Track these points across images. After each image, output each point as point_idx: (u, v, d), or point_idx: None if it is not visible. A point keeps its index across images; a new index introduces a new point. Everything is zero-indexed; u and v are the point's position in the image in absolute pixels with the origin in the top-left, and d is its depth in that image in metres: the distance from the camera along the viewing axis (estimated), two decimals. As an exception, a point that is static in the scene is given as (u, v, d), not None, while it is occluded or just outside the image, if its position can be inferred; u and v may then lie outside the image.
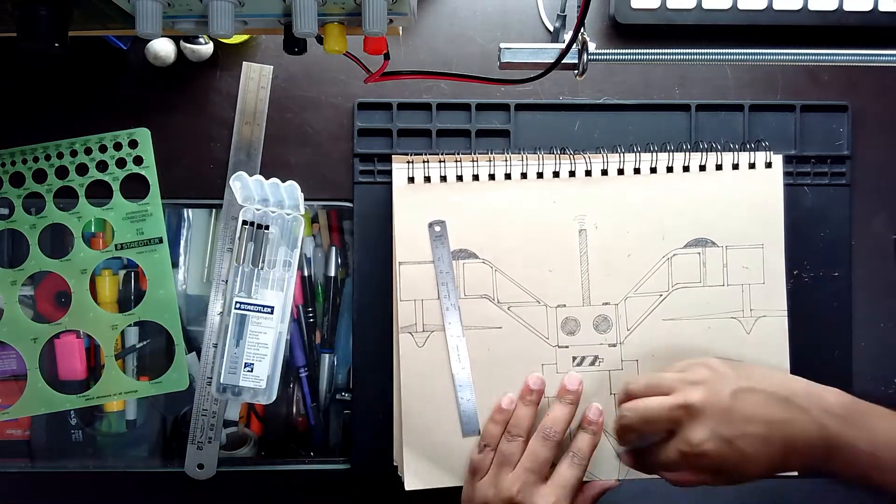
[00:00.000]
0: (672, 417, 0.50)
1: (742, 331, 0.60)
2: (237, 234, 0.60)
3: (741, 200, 0.61)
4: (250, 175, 0.60)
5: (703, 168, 0.61)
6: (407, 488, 0.59)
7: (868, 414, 0.50)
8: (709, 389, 0.50)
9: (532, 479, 0.54)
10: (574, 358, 0.61)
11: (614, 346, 0.61)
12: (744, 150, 0.61)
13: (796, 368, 0.59)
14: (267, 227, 0.60)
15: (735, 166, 0.61)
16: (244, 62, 0.62)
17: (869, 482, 0.49)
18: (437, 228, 0.60)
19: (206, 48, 0.61)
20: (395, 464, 0.61)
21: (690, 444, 0.48)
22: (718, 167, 0.61)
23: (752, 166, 0.61)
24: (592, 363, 0.61)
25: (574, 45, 0.51)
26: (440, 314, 0.60)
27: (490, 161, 0.61)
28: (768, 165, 0.61)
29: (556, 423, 0.56)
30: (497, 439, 0.57)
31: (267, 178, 0.61)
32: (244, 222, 0.60)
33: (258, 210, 0.60)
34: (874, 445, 0.48)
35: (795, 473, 0.60)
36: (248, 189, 0.60)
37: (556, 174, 0.61)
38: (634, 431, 0.53)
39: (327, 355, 0.66)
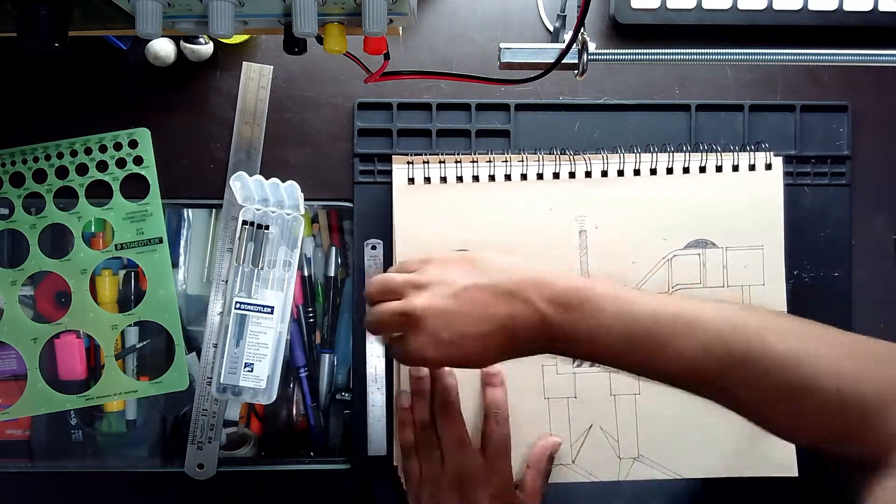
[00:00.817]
0: (397, 322, 0.50)
1: None
2: (237, 234, 0.60)
3: (741, 202, 0.61)
4: (250, 175, 0.60)
5: (703, 169, 0.61)
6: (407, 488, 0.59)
7: (596, 298, 0.48)
8: (432, 293, 0.49)
9: (468, 454, 0.56)
10: (574, 358, 0.61)
11: (614, 346, 0.61)
12: (744, 152, 0.61)
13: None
14: (267, 227, 0.60)
15: (735, 168, 0.61)
16: (244, 62, 0.62)
17: (596, 362, 0.50)
18: (374, 249, 0.61)
19: (206, 48, 0.61)
20: (395, 464, 0.61)
21: (411, 349, 0.49)
22: (718, 169, 0.61)
23: (752, 168, 0.61)
24: (592, 364, 0.61)
25: (574, 45, 0.51)
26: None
27: (490, 162, 0.61)
28: (768, 167, 0.61)
29: (448, 394, 0.58)
30: (411, 441, 0.59)
31: (267, 178, 0.61)
32: (244, 222, 0.60)
33: (258, 210, 0.60)
34: (594, 329, 0.47)
35: (796, 474, 0.60)
36: (248, 189, 0.60)
37: (556, 175, 0.61)
38: (375, 331, 0.53)
39: (327, 355, 0.66)
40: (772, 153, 0.61)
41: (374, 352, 0.61)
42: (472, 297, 0.49)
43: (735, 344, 0.45)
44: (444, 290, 0.49)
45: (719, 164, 0.61)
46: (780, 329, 0.46)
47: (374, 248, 0.61)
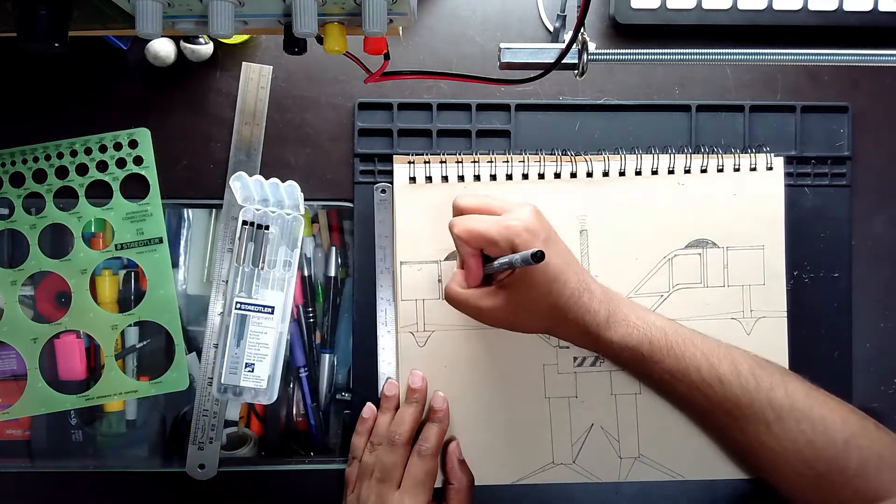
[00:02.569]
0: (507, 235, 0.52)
1: (742, 331, 0.60)
2: (237, 234, 0.60)
3: (742, 202, 0.61)
4: (250, 175, 0.60)
5: (704, 171, 0.61)
6: None
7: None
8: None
9: (384, 489, 0.55)
10: (575, 358, 0.61)
11: (614, 346, 0.61)
12: (745, 153, 0.61)
13: (796, 368, 0.59)
14: (267, 227, 0.60)
15: (736, 169, 0.61)
16: (244, 62, 0.62)
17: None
18: (384, 193, 0.61)
19: (206, 48, 0.61)
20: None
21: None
22: (720, 170, 0.61)
23: (753, 169, 0.61)
24: (593, 364, 0.61)
25: (574, 45, 0.51)
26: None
27: (491, 162, 0.61)
28: (769, 168, 0.61)
29: (399, 426, 0.57)
30: (361, 451, 0.59)
31: (267, 179, 0.61)
32: (244, 222, 0.60)
33: (258, 210, 0.60)
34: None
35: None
36: (248, 189, 0.60)
37: (557, 175, 0.61)
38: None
39: (327, 355, 0.66)
40: (773, 155, 0.61)
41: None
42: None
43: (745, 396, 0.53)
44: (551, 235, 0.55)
45: (720, 165, 0.61)
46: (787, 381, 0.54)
47: (383, 191, 0.61)
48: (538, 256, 0.48)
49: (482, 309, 0.55)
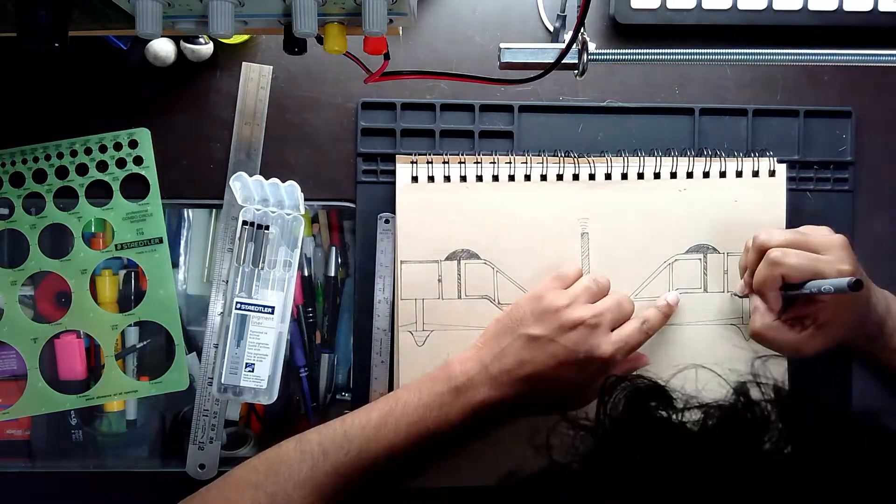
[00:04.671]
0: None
1: (741, 337, 0.60)
2: (237, 235, 0.60)
3: (743, 207, 0.61)
4: (250, 175, 0.60)
5: (706, 175, 0.61)
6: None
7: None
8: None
9: (606, 320, 0.55)
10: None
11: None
12: (748, 157, 0.61)
13: (796, 372, 0.59)
14: (267, 228, 0.60)
15: (739, 174, 0.61)
16: (244, 62, 0.62)
17: None
18: (387, 224, 0.61)
19: (206, 48, 0.61)
20: None
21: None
22: (722, 174, 0.61)
23: (755, 174, 0.61)
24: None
25: (574, 45, 0.50)
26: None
27: (494, 163, 0.61)
28: (772, 174, 0.61)
29: (650, 319, 0.57)
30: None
31: (267, 179, 0.61)
32: (244, 222, 0.60)
33: (258, 210, 0.60)
34: None
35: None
36: (247, 189, 0.60)
37: (559, 177, 0.61)
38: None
39: (327, 355, 0.66)
40: (776, 159, 0.61)
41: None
42: None
43: None
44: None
45: (723, 169, 0.61)
46: None
47: (387, 221, 0.61)
48: (855, 286, 0.48)
49: (804, 352, 0.55)
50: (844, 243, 0.54)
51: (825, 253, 0.54)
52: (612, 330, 0.55)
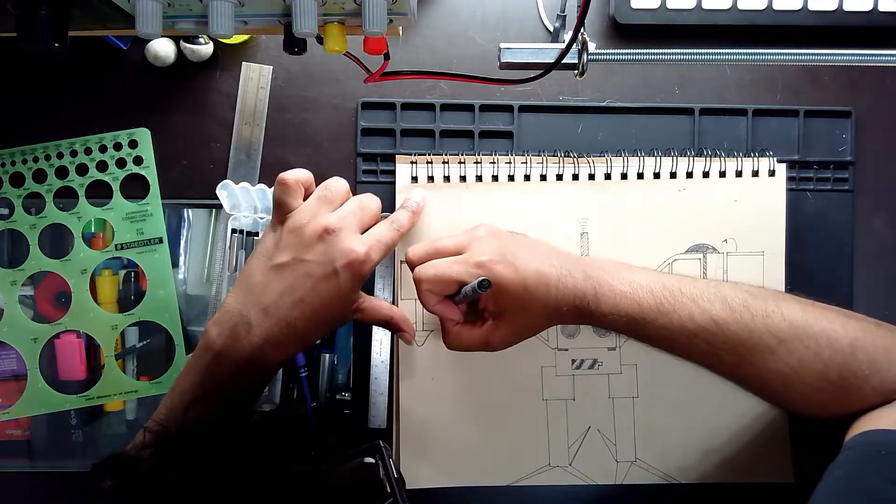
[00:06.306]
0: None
1: None
2: (227, 243, 0.60)
3: (743, 207, 0.61)
4: (250, 177, 0.60)
5: (706, 175, 0.61)
6: (406, 488, 0.59)
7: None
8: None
9: (352, 221, 0.53)
10: (573, 361, 0.61)
11: (613, 349, 0.61)
12: (748, 157, 0.61)
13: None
14: (256, 234, 0.60)
15: (739, 174, 0.61)
16: (244, 62, 0.62)
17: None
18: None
19: (206, 48, 0.61)
20: None
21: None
22: (722, 174, 0.61)
23: (755, 174, 0.61)
24: (591, 366, 0.61)
25: (574, 45, 0.51)
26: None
27: (493, 163, 0.61)
28: (772, 174, 0.61)
29: (400, 219, 0.57)
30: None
31: (267, 179, 0.61)
32: (233, 230, 0.60)
33: (246, 217, 0.60)
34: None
35: (792, 481, 0.60)
36: (234, 197, 0.60)
37: (559, 177, 0.61)
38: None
39: (327, 355, 0.66)
40: (776, 159, 0.61)
41: (380, 349, 0.61)
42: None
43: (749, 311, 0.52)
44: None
45: (723, 169, 0.61)
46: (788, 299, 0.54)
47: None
48: (485, 285, 0.50)
49: (493, 344, 0.55)
50: (476, 236, 0.55)
51: (464, 252, 0.54)
52: (363, 233, 0.54)
